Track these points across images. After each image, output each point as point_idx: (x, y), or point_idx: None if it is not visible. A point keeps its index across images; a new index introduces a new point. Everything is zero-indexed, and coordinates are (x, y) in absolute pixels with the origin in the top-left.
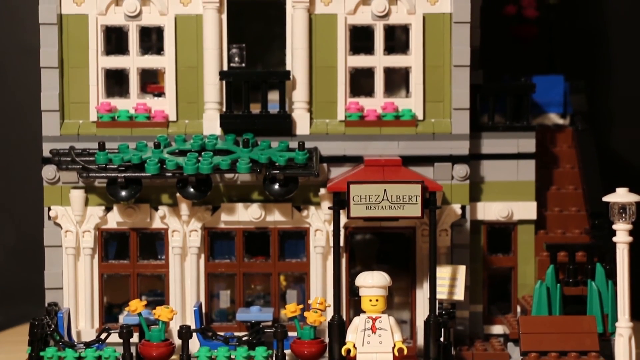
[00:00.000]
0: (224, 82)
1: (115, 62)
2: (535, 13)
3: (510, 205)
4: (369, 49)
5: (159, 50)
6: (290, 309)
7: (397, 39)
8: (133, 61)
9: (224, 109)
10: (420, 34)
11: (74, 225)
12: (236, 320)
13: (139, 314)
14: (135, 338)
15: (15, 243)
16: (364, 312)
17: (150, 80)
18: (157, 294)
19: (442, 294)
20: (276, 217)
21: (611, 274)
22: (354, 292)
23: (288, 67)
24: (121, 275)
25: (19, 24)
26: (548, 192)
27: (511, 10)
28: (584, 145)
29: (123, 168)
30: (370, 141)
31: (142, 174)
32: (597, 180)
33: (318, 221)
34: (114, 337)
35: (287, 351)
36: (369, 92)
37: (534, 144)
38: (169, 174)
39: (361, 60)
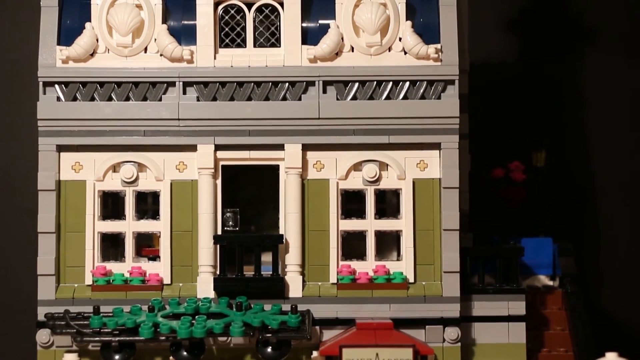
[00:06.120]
0: (218, 246)
1: (112, 226)
2: (522, 176)
3: None
4: (360, 212)
5: (154, 214)
6: None
7: (387, 202)
8: (129, 226)
9: (218, 272)
10: (410, 199)
11: None
12: None
13: None
14: None
15: None
16: None
17: (145, 243)
18: None
19: None
20: None
21: None
22: None
23: (281, 231)
24: None
25: (17, 186)
26: (539, 355)
27: (499, 173)
28: (574, 307)
29: (117, 332)
30: (362, 304)
31: (136, 338)
32: (588, 342)
33: None
34: None
35: None
36: (361, 255)
37: (524, 307)
38: (163, 338)
39: (353, 224)
